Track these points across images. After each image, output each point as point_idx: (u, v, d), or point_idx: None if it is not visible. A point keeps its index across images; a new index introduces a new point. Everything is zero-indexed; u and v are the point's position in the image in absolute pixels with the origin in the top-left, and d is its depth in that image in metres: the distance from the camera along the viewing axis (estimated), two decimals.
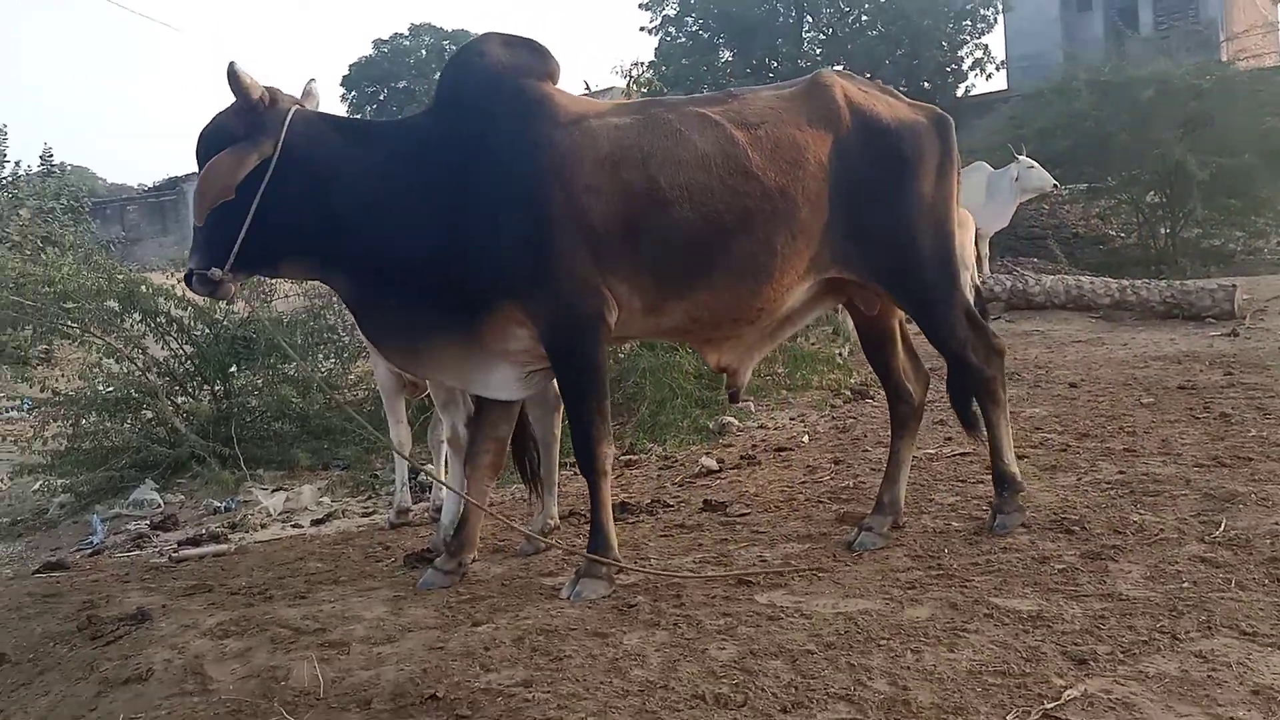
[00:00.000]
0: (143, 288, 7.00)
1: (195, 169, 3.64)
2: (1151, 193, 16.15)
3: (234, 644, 3.20)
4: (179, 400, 7.32)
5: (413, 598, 3.58)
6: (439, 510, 5.08)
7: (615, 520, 4.52)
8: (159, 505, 6.58)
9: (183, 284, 3.80)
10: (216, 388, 7.53)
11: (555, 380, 4.13)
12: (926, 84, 36.82)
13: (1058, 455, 4.91)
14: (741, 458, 5.72)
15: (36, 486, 7.32)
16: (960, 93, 34.96)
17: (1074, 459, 4.80)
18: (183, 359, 7.34)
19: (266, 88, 3.54)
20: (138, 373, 7.13)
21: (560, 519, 4.57)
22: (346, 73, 40.87)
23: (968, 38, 37.38)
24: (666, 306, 3.58)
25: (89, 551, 5.71)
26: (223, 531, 5.67)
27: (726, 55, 38.97)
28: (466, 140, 3.48)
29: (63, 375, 14.45)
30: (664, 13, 40.24)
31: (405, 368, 3.84)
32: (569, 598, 3.41)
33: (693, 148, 3.51)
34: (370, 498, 6.26)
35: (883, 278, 3.76)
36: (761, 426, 6.78)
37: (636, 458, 6.22)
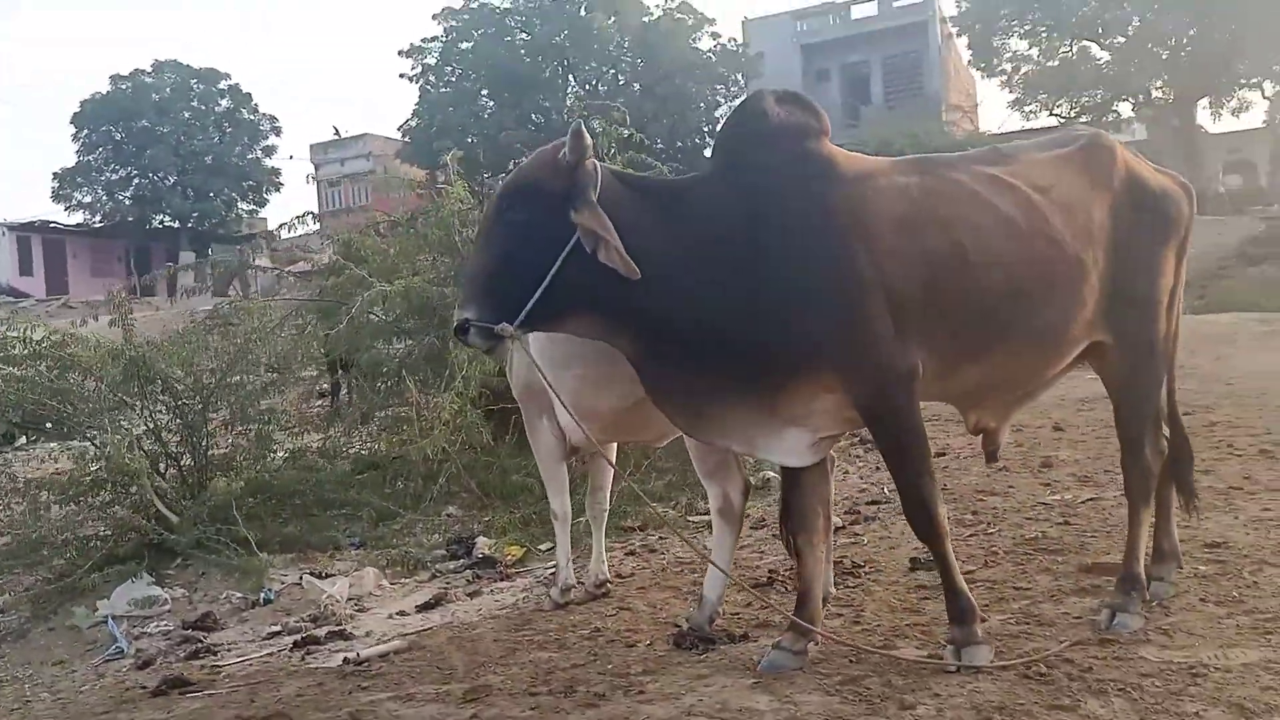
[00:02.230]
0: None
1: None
2: None
3: None
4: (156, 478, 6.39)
5: (782, 683, 3.32)
6: (598, 586, 4.77)
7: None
8: (166, 602, 5.73)
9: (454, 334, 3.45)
10: (185, 461, 6.67)
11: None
12: (680, 144, 38.46)
13: None
14: (845, 514, 5.72)
15: None
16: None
17: None
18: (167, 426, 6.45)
19: None
20: (112, 450, 6.15)
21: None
22: (78, 109, 37.48)
23: (721, 100, 39.43)
24: (958, 371, 3.52)
25: (137, 663, 4.88)
26: (303, 627, 5.04)
27: (490, 106, 39.05)
28: (759, 202, 3.35)
29: None
30: (425, 60, 39.85)
31: (689, 430, 3.61)
32: (958, 669, 3.28)
33: (994, 212, 3.48)
34: (434, 576, 5.75)
35: (1123, 343, 3.73)
36: None
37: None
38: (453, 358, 6.89)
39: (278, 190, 43.77)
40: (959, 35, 37.79)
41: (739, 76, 38.74)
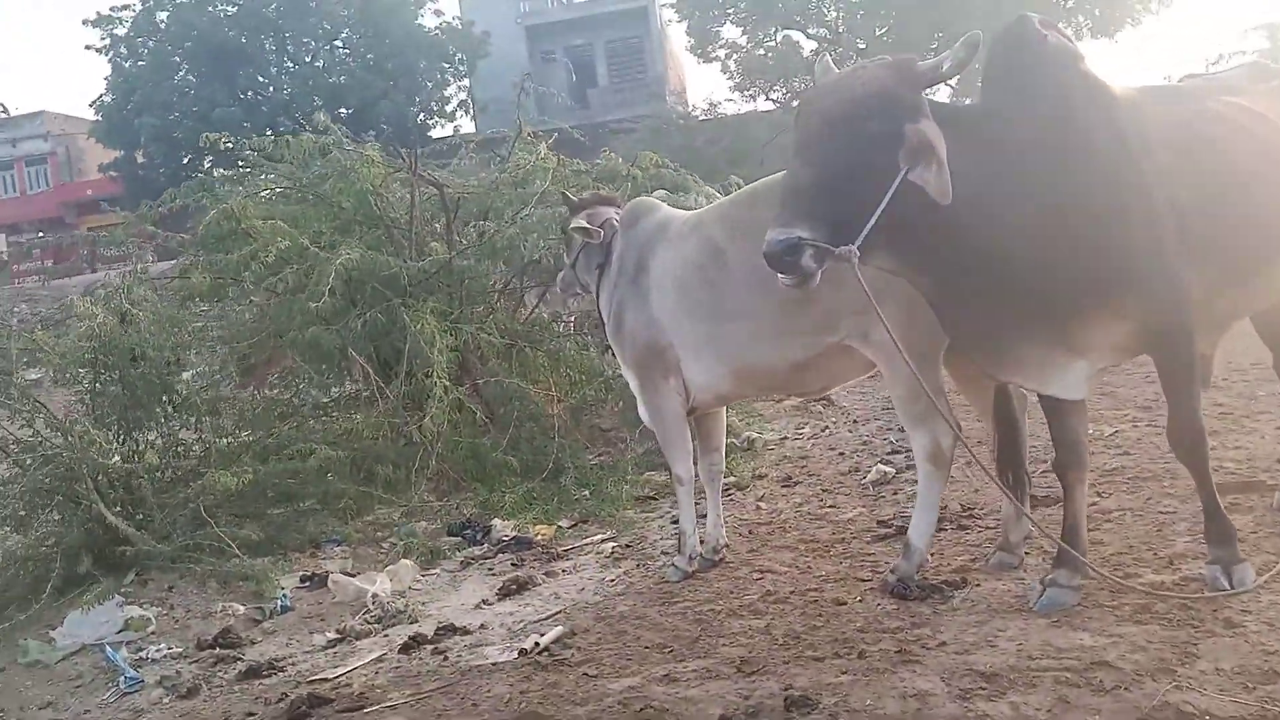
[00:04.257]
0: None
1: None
2: None
3: None
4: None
5: (1078, 619, 3.28)
6: (716, 552, 4.53)
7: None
8: (150, 623, 4.88)
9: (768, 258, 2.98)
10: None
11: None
12: (410, 125, 36.93)
13: None
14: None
15: None
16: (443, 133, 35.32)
17: None
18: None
19: None
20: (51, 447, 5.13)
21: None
22: None
23: (451, 79, 38.40)
24: (1218, 296, 3.56)
25: (177, 693, 4.12)
26: (373, 629, 4.47)
27: (193, 80, 36.03)
28: (1051, 128, 3.25)
29: None
30: (114, 31, 36.18)
31: (989, 367, 3.49)
32: (1230, 587, 3.36)
33: (1255, 139, 3.58)
34: (466, 564, 5.24)
35: None
36: (783, 439, 6.84)
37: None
38: (411, 332, 6.30)
39: None
40: (679, 21, 38.93)
41: (465, 56, 37.89)
